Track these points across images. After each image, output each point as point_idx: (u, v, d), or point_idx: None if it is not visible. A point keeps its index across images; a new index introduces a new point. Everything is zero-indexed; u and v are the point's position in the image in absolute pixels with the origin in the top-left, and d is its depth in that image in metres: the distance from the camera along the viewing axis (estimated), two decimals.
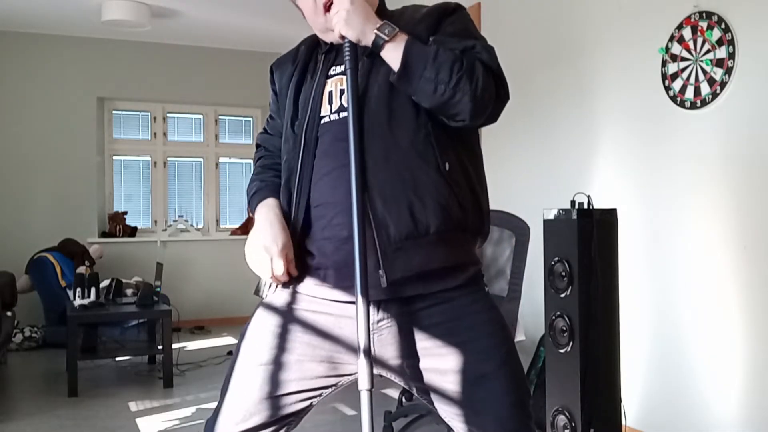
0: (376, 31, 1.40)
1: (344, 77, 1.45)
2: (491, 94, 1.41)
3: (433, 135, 1.43)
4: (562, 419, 2.51)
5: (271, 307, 1.54)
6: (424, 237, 1.40)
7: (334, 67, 1.52)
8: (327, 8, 1.47)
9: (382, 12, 1.55)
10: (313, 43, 1.61)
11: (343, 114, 1.46)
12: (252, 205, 1.58)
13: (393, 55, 1.39)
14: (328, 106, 1.49)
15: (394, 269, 1.39)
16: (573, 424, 2.46)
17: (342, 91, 1.48)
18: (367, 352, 1.35)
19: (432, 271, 1.43)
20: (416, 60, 1.37)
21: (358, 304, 1.35)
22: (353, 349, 1.43)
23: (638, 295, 3.15)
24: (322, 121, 1.48)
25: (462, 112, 1.39)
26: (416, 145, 1.42)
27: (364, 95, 1.44)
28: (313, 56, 1.58)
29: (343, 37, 1.43)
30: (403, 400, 3.47)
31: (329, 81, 1.51)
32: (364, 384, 1.34)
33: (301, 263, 1.49)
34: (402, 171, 1.40)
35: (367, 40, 1.41)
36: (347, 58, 1.43)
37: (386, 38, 1.39)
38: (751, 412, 2.69)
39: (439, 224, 1.40)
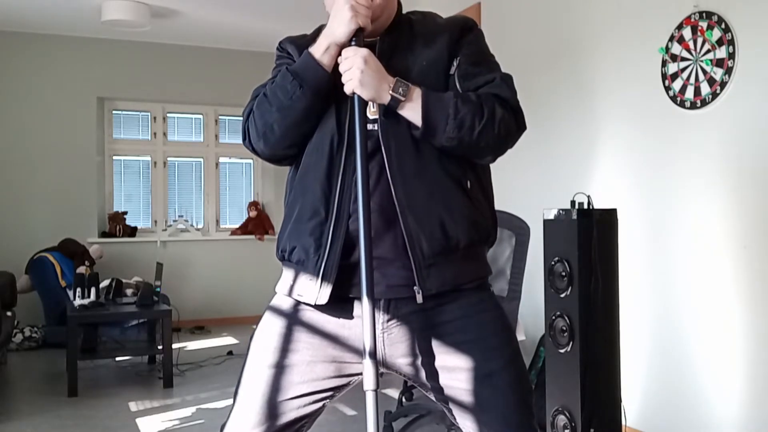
0: (391, 92, 1.40)
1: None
2: (511, 130, 1.46)
3: (456, 156, 1.46)
4: (562, 419, 2.51)
5: (279, 311, 1.54)
6: (455, 252, 1.43)
7: None
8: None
9: (399, 15, 1.55)
10: None
11: (369, 126, 1.45)
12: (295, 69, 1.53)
13: (411, 113, 1.41)
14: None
15: (428, 285, 1.42)
16: (573, 424, 2.46)
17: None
18: (372, 354, 1.35)
19: (463, 284, 1.46)
20: (437, 118, 1.40)
21: (364, 306, 1.36)
22: (361, 349, 1.43)
23: (638, 295, 3.15)
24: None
25: (486, 155, 1.47)
26: (444, 165, 1.45)
27: (392, 116, 1.44)
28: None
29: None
30: (403, 400, 3.47)
31: None
32: (369, 384, 1.35)
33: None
34: (432, 189, 1.43)
35: (383, 100, 1.41)
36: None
37: (402, 98, 1.40)
38: (751, 412, 2.69)
39: (468, 239, 1.44)
